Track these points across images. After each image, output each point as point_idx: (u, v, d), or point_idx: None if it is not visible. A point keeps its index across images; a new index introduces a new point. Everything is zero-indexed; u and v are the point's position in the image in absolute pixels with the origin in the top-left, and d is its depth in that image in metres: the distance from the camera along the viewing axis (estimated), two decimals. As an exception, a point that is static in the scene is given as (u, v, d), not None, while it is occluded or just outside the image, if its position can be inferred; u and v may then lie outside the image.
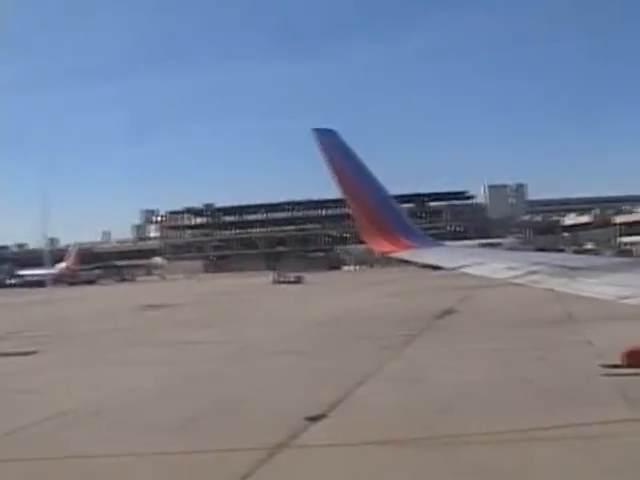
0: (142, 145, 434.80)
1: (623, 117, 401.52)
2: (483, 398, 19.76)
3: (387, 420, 17.88)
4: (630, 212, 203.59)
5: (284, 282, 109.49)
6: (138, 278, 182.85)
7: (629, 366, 6.20)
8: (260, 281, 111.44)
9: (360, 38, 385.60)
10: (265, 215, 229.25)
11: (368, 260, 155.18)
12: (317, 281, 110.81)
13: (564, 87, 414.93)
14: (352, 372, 24.80)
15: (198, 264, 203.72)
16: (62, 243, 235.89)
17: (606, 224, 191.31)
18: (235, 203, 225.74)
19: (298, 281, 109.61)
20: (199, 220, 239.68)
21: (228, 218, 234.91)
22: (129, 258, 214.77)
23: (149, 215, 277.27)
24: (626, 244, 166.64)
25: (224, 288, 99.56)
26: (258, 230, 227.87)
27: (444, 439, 15.77)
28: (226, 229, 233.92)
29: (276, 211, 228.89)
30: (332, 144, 12.80)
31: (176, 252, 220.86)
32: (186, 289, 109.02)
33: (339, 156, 12.75)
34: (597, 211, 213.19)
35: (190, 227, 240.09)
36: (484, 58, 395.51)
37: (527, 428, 16.03)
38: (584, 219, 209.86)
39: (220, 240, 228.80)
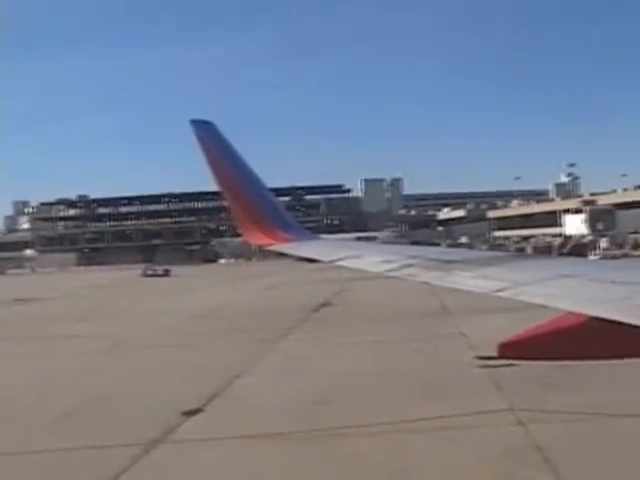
0: (14, 134, 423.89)
1: (496, 116, 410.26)
2: (360, 390, 19.88)
3: (264, 413, 17.81)
4: (503, 207, 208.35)
5: (152, 275, 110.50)
6: (8, 271, 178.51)
7: (503, 357, 6.26)
8: (130, 274, 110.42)
9: (236, 28, 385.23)
10: (140, 207, 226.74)
11: (245, 253, 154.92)
12: (191, 274, 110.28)
13: (441, 83, 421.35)
14: (228, 365, 24.68)
15: (71, 257, 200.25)
16: None
17: (480, 219, 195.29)
18: (110, 195, 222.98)
19: (166, 274, 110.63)
20: (73, 212, 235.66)
21: (102, 210, 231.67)
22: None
23: (20, 206, 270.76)
24: (499, 238, 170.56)
25: (96, 281, 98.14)
26: (133, 222, 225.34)
27: (320, 432, 15.79)
28: (100, 221, 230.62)
29: (152, 203, 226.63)
30: (209, 136, 12.66)
31: (49, 244, 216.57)
32: (58, 282, 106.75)
33: (216, 148, 12.62)
34: (471, 206, 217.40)
35: (63, 219, 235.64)
36: (366, 51, 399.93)
37: (403, 420, 16.18)
38: (458, 213, 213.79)
39: (94, 232, 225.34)
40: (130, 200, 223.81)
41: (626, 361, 6.10)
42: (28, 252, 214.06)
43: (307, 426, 16.21)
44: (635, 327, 4.46)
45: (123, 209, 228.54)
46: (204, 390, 20.59)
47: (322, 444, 14.99)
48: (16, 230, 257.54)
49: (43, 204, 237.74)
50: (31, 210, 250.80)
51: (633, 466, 12.45)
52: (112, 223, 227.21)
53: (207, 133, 12.61)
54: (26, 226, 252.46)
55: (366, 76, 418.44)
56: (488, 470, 12.80)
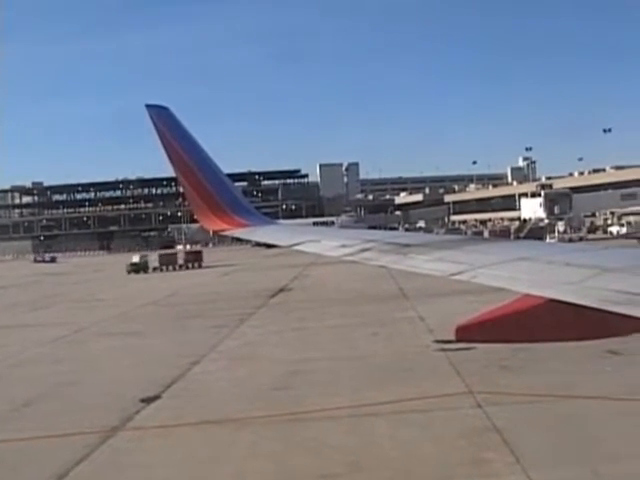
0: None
1: (456, 100, 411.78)
2: (319, 375, 19.92)
3: (223, 399, 17.84)
4: (460, 191, 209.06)
5: (41, 261, 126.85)
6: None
7: (461, 340, 6.29)
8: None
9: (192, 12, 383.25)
10: (96, 194, 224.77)
11: (202, 239, 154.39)
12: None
13: (399, 67, 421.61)
14: (187, 351, 24.67)
15: (27, 244, 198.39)
16: None
17: (437, 203, 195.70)
18: (65, 182, 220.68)
19: (52, 261, 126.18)
20: (27, 199, 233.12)
21: (57, 197, 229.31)
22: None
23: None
24: (456, 222, 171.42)
25: (45, 269, 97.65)
26: (89, 209, 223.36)
27: (280, 417, 15.81)
28: (56, 208, 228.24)
29: (107, 190, 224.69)
30: (165, 121, 12.53)
31: (4, 232, 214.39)
32: (11, 271, 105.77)
33: (172, 133, 12.51)
34: (428, 190, 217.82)
35: (18, 206, 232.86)
36: (323, 34, 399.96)
37: (363, 404, 16.24)
38: (416, 198, 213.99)
39: (49, 219, 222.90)
40: (85, 187, 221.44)
41: (583, 342, 6.16)
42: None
43: (268, 411, 16.21)
44: (591, 309, 4.49)
45: (79, 196, 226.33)
46: (162, 377, 20.58)
47: (282, 429, 15.01)
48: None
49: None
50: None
51: (587, 446, 12.62)
52: (68, 210, 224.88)
53: (163, 118, 12.47)
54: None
55: (321, 60, 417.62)
56: (449, 453, 12.87)
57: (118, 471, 13.16)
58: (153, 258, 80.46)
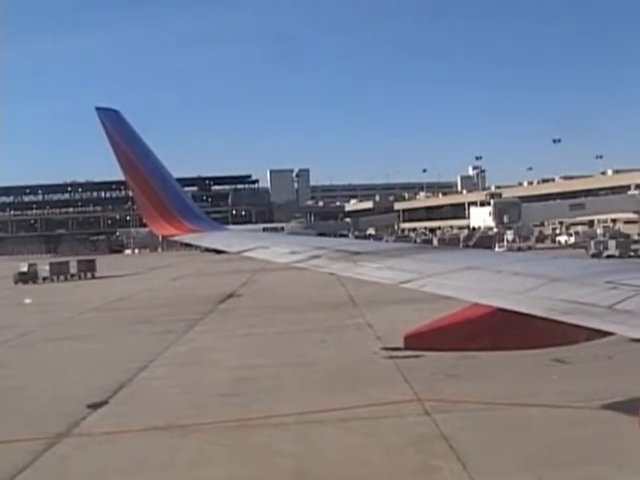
0: None
1: (406, 108, 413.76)
2: (267, 381, 19.86)
3: (170, 405, 17.71)
4: (410, 199, 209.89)
5: None
6: None
7: (409, 349, 6.34)
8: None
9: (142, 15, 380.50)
10: (44, 196, 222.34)
11: (151, 244, 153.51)
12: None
13: (351, 75, 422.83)
14: (134, 357, 24.46)
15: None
16: None
17: (387, 210, 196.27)
18: (12, 183, 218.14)
19: None
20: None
21: (4, 199, 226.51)
22: None
23: None
24: (406, 230, 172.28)
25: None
26: (36, 212, 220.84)
27: (228, 423, 15.74)
28: (2, 210, 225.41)
29: (55, 192, 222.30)
30: (115, 124, 12.45)
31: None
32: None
33: (122, 137, 12.42)
34: (378, 197, 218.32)
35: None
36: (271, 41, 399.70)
37: (310, 411, 16.22)
38: (366, 205, 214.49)
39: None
40: (33, 189, 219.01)
41: (530, 351, 6.21)
42: None
43: (215, 417, 16.13)
44: (539, 318, 4.52)
45: (26, 198, 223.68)
46: (110, 382, 20.38)
47: (229, 435, 14.94)
48: None
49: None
50: None
51: (533, 454, 12.72)
52: (15, 212, 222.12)
53: (113, 121, 12.38)
54: None
55: (271, 65, 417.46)
56: (397, 460, 12.90)
57: (63, 478, 13.01)
58: (42, 267, 74.93)
